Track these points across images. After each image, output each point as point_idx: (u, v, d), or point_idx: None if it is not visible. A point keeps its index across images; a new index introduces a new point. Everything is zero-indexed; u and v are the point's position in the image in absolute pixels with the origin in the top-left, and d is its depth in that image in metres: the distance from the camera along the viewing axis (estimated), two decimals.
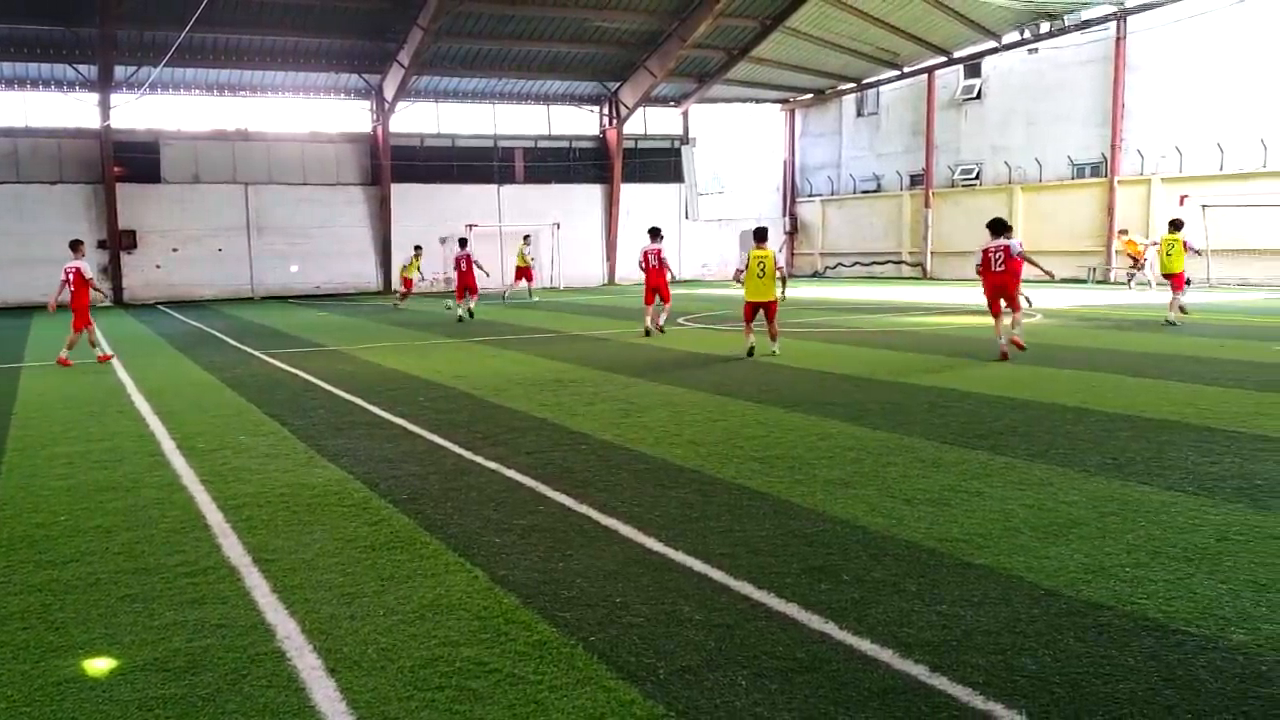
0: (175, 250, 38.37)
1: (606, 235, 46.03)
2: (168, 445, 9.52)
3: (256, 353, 18.04)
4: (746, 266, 15.74)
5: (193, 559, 5.97)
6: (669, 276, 20.23)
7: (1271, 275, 31.59)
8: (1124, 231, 30.78)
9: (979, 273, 15.32)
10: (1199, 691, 3.98)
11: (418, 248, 30.05)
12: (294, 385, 13.68)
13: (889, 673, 4.22)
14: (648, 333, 19.54)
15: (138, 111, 37.57)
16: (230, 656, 4.52)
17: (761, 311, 15.73)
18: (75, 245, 17.40)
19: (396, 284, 35.08)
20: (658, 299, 19.96)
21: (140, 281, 37.81)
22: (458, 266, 25.57)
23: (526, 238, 29.72)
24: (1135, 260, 29.68)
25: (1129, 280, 29.92)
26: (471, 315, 24.95)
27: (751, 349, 15.50)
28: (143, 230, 37.81)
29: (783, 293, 15.79)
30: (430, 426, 10.17)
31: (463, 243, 26.42)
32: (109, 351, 17.65)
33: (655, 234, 20.38)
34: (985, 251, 15.15)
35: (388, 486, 7.65)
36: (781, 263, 15.91)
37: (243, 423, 10.70)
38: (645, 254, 20.20)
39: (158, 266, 38.20)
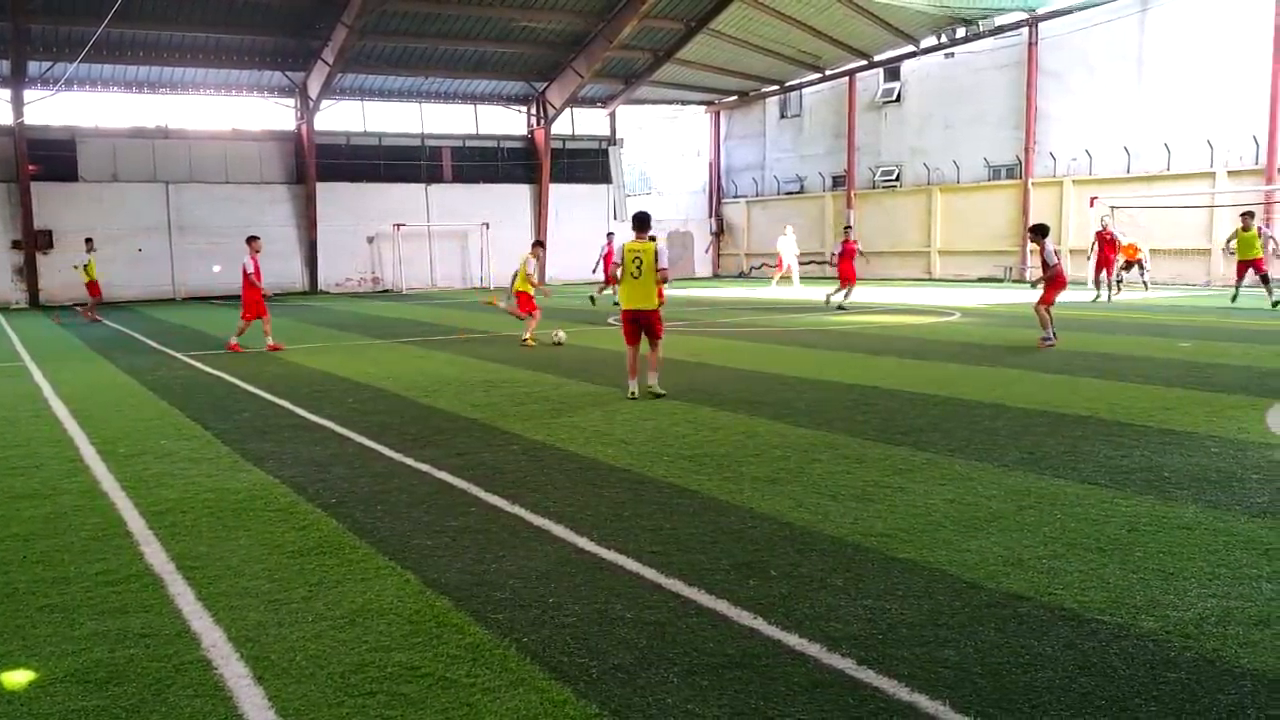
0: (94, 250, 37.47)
1: (536, 235, 45.88)
2: (87, 451, 9.33)
3: (178, 355, 17.72)
4: (621, 262, 11.69)
5: (114, 567, 5.87)
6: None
7: (1177, 274, 32.55)
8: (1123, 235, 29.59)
9: (1059, 273, 16.58)
10: (1113, 678, 4.11)
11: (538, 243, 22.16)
12: (218, 388, 13.47)
13: (817, 666, 4.30)
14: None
15: (53, 108, 36.74)
16: (154, 666, 4.46)
17: (644, 331, 11.79)
18: (250, 241, 18.50)
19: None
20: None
21: (57, 283, 36.83)
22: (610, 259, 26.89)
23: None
24: (1130, 263, 28.54)
25: (1119, 283, 27.71)
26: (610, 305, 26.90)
27: (634, 393, 11.65)
28: (59, 230, 36.87)
29: (661, 299, 11.77)
30: (359, 429, 10.08)
31: (610, 236, 28.12)
32: (235, 343, 18.35)
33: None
34: (1056, 252, 16.76)
35: (315, 490, 7.58)
36: (665, 261, 11.42)
37: (165, 427, 10.51)
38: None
39: (75, 267, 37.27)
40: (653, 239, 11.66)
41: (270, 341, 18.41)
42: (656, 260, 11.31)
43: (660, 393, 11.62)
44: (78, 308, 28.47)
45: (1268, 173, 30.58)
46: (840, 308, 24.59)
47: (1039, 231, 16.68)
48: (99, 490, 7.79)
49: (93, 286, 27.67)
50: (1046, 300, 16.50)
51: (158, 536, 6.45)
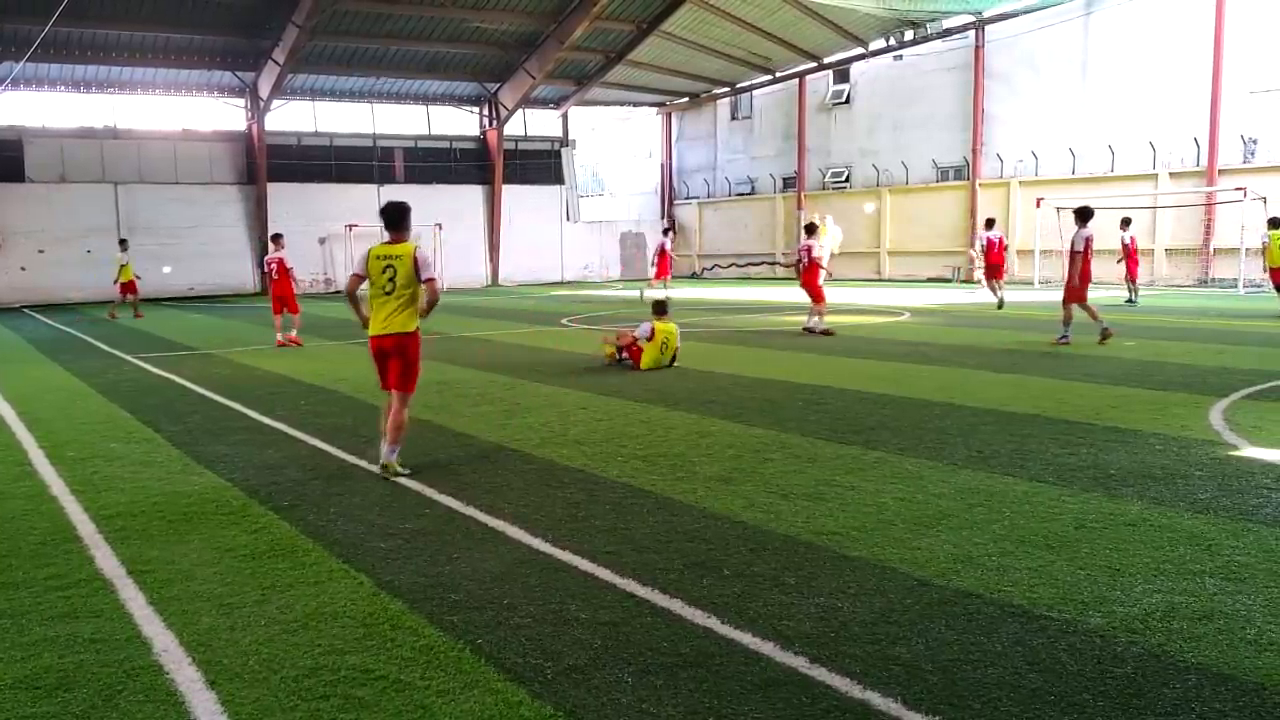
0: (41, 252, 36.88)
1: (489, 236, 45.75)
2: (35, 455, 9.18)
3: (128, 357, 17.46)
4: (367, 274, 8.33)
5: (64, 571, 5.80)
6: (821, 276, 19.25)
7: (1122, 274, 33.03)
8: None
9: (1084, 260, 15.66)
10: (1060, 674, 4.18)
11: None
12: (168, 391, 13.30)
13: (770, 665, 4.34)
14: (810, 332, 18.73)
15: None
16: (105, 672, 4.41)
17: (394, 370, 8.41)
18: (276, 238, 19.29)
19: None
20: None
21: (4, 284, 36.25)
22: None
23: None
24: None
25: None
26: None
27: (389, 468, 8.03)
28: (7, 231, 36.33)
29: (425, 311, 8.33)
30: (312, 431, 10.01)
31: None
32: (282, 339, 19.03)
33: (810, 229, 19.75)
34: (1089, 239, 15.76)
35: (268, 493, 7.52)
36: (430, 271, 8.20)
37: (114, 430, 10.37)
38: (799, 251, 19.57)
39: (23, 269, 36.70)
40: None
41: (279, 337, 19.05)
42: (416, 272, 8.08)
43: (401, 471, 8.02)
44: (117, 301, 29.42)
45: (1208, 174, 31.17)
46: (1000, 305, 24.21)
47: (1083, 216, 15.85)
48: (48, 494, 7.67)
49: (128, 286, 28.43)
50: (1079, 297, 15.79)
51: (108, 540, 6.38)
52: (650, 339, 14.10)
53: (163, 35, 36.09)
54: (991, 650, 4.42)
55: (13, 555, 6.13)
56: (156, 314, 29.89)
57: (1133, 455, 8.09)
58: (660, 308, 14.58)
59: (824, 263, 19.56)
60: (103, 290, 36.97)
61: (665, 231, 31.91)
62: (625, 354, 14.48)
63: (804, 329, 18.91)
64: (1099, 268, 26.22)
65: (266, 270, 19.39)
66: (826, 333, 18.51)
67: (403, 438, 8.16)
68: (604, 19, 38.81)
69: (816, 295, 18.92)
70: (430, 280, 8.15)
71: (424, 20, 38.17)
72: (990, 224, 24.94)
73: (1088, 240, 15.83)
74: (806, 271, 19.06)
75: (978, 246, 26.93)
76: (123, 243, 29.85)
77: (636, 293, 30.64)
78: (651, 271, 29.63)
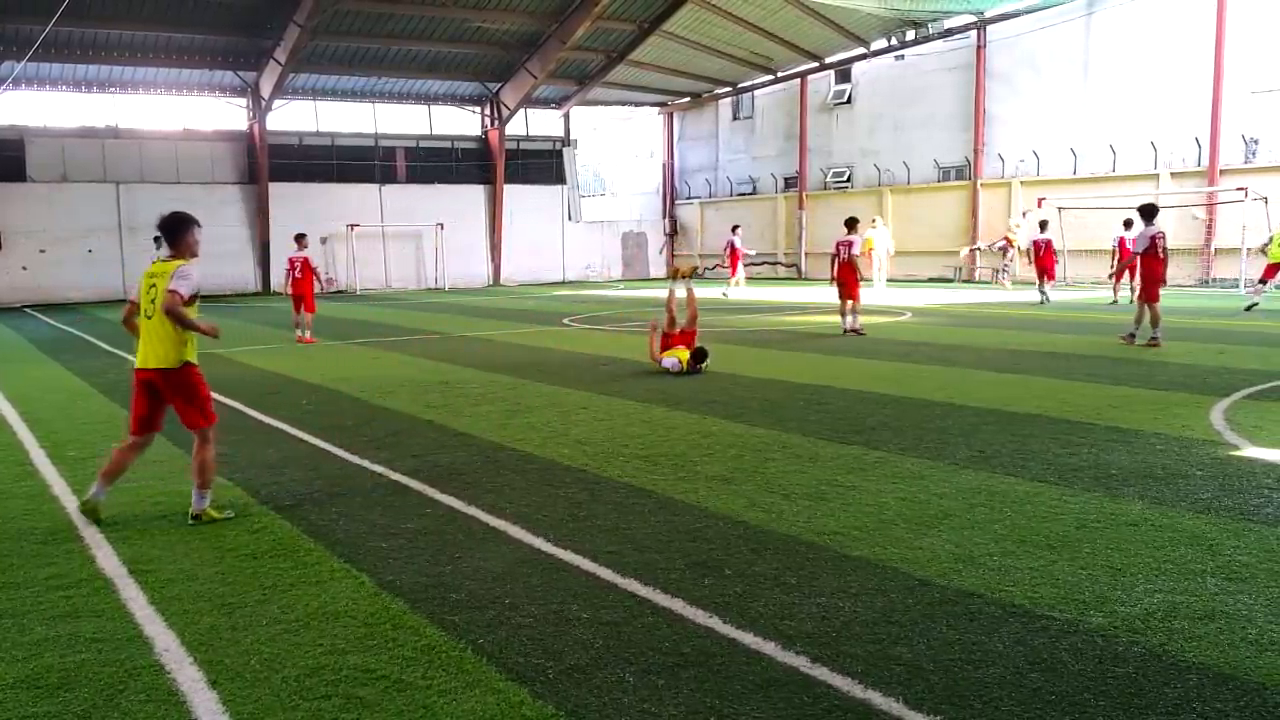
0: (43, 251, 36.92)
1: (491, 236, 45.75)
2: (36, 454, 9.20)
3: (130, 356, 17.39)
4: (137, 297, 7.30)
5: (65, 571, 5.80)
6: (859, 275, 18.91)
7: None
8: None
9: (1157, 259, 15.43)
10: (1062, 674, 4.18)
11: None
12: None
13: (772, 665, 4.33)
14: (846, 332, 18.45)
15: (0, 107, 36.06)
16: (107, 671, 4.41)
17: (171, 408, 7.17)
18: (300, 238, 19.97)
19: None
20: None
21: (5, 284, 36.27)
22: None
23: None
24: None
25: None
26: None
27: (92, 501, 6.82)
28: (8, 231, 36.33)
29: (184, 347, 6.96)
30: (313, 430, 10.01)
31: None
32: (310, 337, 19.56)
33: (851, 224, 19.38)
34: (1155, 238, 15.49)
35: (269, 493, 7.53)
36: (180, 284, 6.87)
37: (115, 429, 10.33)
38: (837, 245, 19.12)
39: (24, 268, 36.72)
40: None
41: (305, 335, 19.57)
42: (172, 289, 6.77)
43: (218, 516, 6.83)
44: None
45: (1209, 174, 31.14)
46: (1044, 300, 25.40)
47: (1147, 214, 15.56)
48: (49, 494, 7.69)
49: None
50: (1149, 295, 15.48)
51: (109, 540, 6.38)
52: (674, 368, 13.56)
53: (164, 35, 36.11)
54: (993, 650, 4.42)
55: (14, 555, 6.13)
56: None
57: (1134, 455, 8.09)
58: (700, 355, 13.72)
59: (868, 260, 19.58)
60: (103, 290, 37.11)
61: (734, 229, 32.68)
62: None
63: (855, 331, 18.48)
64: (1094, 266, 26.32)
65: (289, 269, 19.75)
66: (853, 330, 18.46)
67: (210, 479, 6.89)
68: (605, 19, 38.79)
69: (851, 292, 18.66)
70: (172, 292, 6.69)
71: (425, 20, 38.18)
72: (1044, 226, 25.94)
73: (1153, 239, 15.58)
74: (843, 267, 18.78)
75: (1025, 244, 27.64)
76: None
77: (722, 293, 31.11)
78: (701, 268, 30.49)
